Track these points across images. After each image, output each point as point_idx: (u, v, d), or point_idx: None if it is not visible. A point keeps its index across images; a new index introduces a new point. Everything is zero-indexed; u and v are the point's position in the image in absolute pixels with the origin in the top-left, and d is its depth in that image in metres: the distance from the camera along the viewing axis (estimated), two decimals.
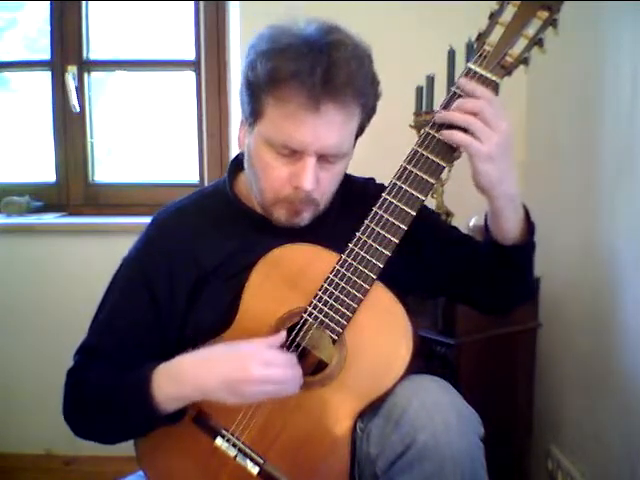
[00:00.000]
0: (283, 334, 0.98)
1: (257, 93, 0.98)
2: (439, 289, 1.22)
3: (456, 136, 0.93)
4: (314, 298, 0.97)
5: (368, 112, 1.03)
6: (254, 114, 1.00)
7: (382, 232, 0.96)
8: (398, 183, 0.96)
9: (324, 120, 0.95)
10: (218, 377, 0.95)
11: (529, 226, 1.02)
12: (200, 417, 1.00)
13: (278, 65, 0.95)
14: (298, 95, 0.94)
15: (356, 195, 1.13)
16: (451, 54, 1.66)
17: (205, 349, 0.99)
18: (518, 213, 1.00)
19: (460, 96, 0.94)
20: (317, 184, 0.99)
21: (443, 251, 1.13)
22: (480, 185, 0.95)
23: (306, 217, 1.04)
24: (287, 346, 0.99)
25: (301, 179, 0.98)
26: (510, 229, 1.00)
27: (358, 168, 1.20)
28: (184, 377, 0.97)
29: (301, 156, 0.98)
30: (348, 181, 1.15)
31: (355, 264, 0.96)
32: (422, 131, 0.97)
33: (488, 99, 0.92)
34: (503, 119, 0.92)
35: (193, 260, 1.07)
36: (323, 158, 0.99)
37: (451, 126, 0.94)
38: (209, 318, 1.04)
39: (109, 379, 1.04)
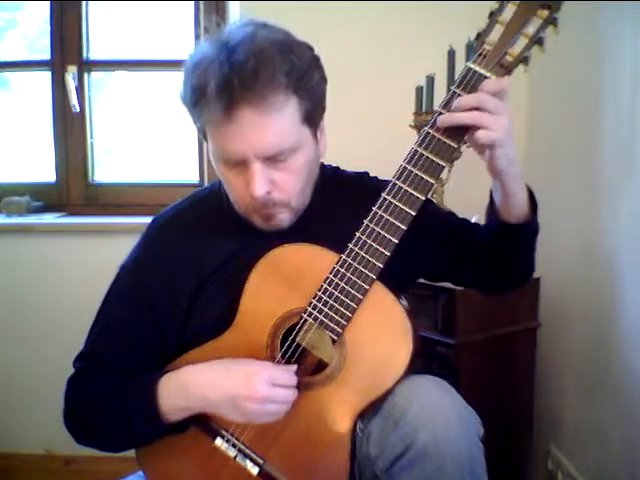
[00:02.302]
0: (294, 366, 0.97)
1: (191, 115, 1.01)
2: (440, 274, 1.22)
3: (478, 136, 0.90)
4: (314, 298, 0.97)
5: (305, 94, 0.97)
6: (202, 134, 1.03)
7: (382, 232, 0.95)
8: (398, 183, 0.96)
9: (244, 124, 0.93)
10: (223, 391, 0.96)
11: (533, 206, 1.03)
12: (200, 418, 1.00)
13: (192, 86, 0.96)
14: (212, 111, 0.94)
15: (351, 190, 1.13)
16: (451, 54, 1.66)
17: (213, 362, 0.99)
18: (524, 191, 1.00)
19: (460, 96, 0.94)
20: (273, 186, 0.98)
21: (440, 236, 1.12)
22: (497, 169, 0.94)
23: (283, 219, 1.03)
24: (287, 346, 0.99)
25: (250, 187, 0.97)
26: (519, 206, 1.00)
27: (358, 168, 1.20)
28: (192, 389, 0.97)
29: (246, 164, 0.97)
30: (341, 177, 1.15)
31: (355, 264, 0.96)
32: (422, 131, 0.97)
33: (487, 90, 0.91)
34: (503, 101, 0.91)
35: (193, 263, 1.06)
36: (270, 159, 0.97)
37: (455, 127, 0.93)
38: (210, 320, 1.04)
39: (112, 388, 1.03)
